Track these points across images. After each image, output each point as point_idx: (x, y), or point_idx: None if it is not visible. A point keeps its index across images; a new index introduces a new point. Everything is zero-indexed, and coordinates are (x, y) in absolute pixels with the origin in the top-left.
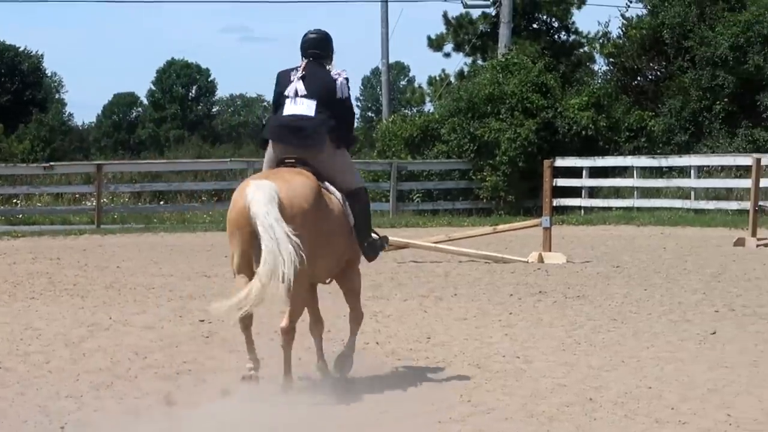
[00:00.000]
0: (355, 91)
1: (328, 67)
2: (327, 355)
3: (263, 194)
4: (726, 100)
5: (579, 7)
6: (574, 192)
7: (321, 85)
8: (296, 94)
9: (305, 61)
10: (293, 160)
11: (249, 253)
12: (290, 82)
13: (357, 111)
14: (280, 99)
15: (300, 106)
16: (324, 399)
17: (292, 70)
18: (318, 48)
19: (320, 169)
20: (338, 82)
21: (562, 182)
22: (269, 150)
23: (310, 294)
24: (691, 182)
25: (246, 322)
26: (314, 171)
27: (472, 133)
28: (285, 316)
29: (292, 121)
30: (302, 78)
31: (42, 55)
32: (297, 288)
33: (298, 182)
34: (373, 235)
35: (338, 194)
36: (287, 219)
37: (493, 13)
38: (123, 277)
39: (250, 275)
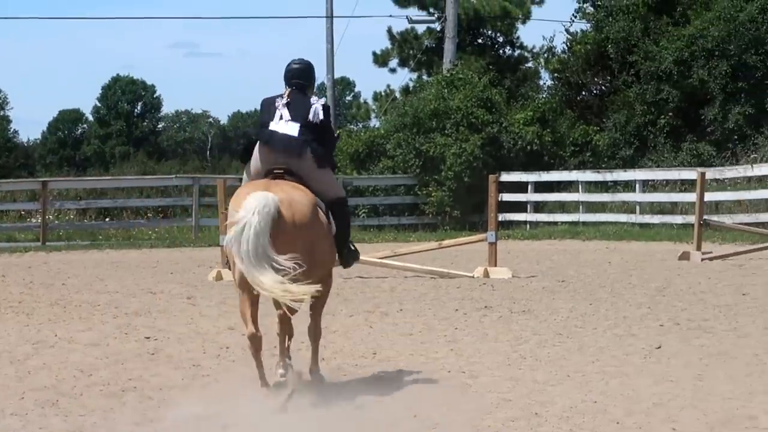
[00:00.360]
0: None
1: (310, 95)
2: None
3: (269, 199)
4: (670, 114)
5: (524, 23)
6: (520, 207)
7: (304, 111)
8: (281, 119)
9: (289, 89)
10: (281, 171)
11: None
12: (276, 109)
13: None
14: (264, 124)
15: (283, 125)
16: (271, 413)
17: (276, 97)
18: (301, 78)
19: (305, 179)
20: (313, 108)
21: (507, 197)
22: (254, 160)
23: None
24: (636, 196)
25: (256, 345)
26: (302, 182)
27: (418, 149)
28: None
29: (277, 137)
30: (287, 105)
31: None
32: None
33: (297, 196)
34: (351, 246)
35: (322, 204)
36: (288, 231)
37: (438, 29)
38: (68, 294)
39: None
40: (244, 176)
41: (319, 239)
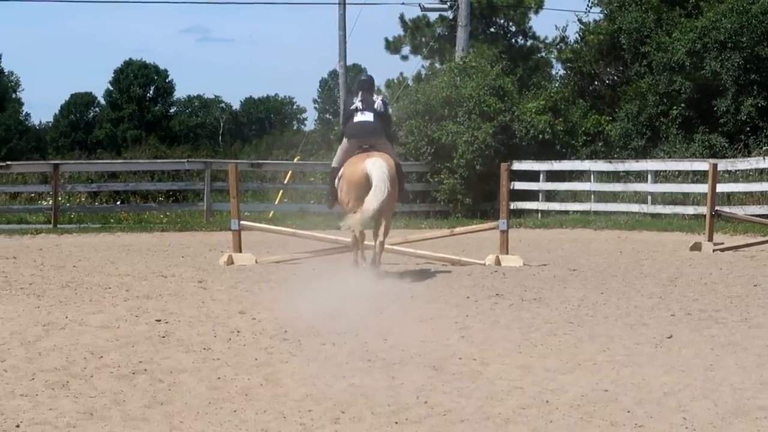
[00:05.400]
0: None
1: (374, 95)
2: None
3: (380, 162)
4: (683, 105)
5: (536, 12)
6: (531, 195)
7: (372, 105)
8: (361, 110)
9: (361, 92)
10: (368, 146)
11: (362, 198)
12: (353, 104)
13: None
14: (349, 114)
15: (364, 116)
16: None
17: (354, 98)
18: (367, 85)
19: (380, 148)
20: (377, 102)
21: (519, 185)
22: (345, 143)
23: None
24: (648, 187)
25: (361, 238)
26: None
27: (430, 136)
28: (381, 233)
29: (362, 124)
30: (361, 101)
31: (0, 55)
32: (388, 215)
33: (390, 160)
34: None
35: None
36: (391, 180)
37: (451, 16)
38: (79, 277)
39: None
40: (339, 150)
41: (396, 185)
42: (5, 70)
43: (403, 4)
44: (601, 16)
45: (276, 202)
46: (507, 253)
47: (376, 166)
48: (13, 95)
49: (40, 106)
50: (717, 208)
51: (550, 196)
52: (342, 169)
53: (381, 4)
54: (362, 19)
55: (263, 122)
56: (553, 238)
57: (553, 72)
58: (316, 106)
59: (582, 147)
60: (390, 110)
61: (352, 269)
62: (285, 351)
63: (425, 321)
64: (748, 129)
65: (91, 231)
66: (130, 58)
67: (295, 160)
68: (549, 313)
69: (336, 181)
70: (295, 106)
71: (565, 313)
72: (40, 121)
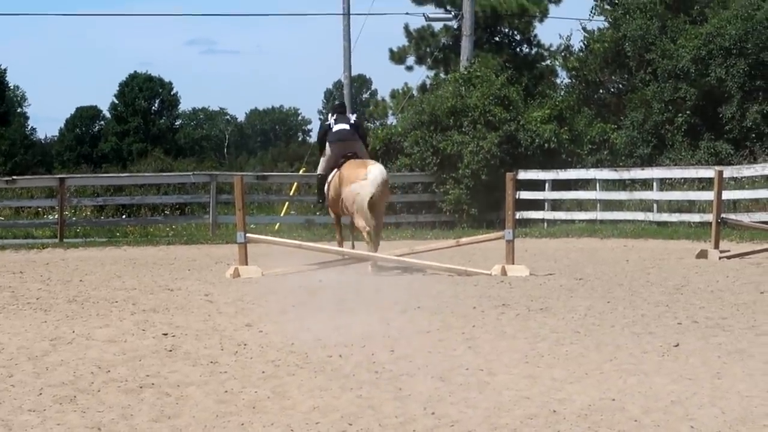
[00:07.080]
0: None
1: (347, 114)
2: None
3: (380, 169)
4: (688, 112)
5: (541, 21)
6: (537, 205)
7: (346, 119)
8: (336, 122)
9: (336, 114)
10: (352, 153)
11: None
12: (328, 121)
13: (318, 123)
14: (325, 129)
15: (339, 125)
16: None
17: (329, 116)
18: (341, 108)
19: (358, 150)
20: (352, 116)
21: (524, 195)
22: (328, 150)
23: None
24: (654, 195)
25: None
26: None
27: (435, 146)
28: (374, 235)
29: (340, 131)
30: (335, 119)
31: (5, 69)
32: (380, 214)
33: (383, 169)
34: None
35: None
36: (386, 184)
37: (455, 26)
38: (86, 291)
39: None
40: (322, 160)
41: (387, 190)
42: (10, 85)
43: (407, 14)
44: (606, 24)
45: (282, 214)
46: (513, 263)
47: (377, 170)
48: (19, 109)
49: (46, 120)
50: (723, 215)
51: (556, 205)
52: (337, 175)
53: (385, 14)
54: (366, 29)
55: (268, 134)
56: (559, 248)
57: (558, 81)
58: (321, 117)
59: (587, 155)
60: (360, 122)
61: (361, 278)
62: (292, 363)
63: (432, 332)
64: (753, 135)
65: (98, 245)
66: (135, 71)
67: (301, 172)
68: (555, 322)
69: (325, 187)
70: (300, 118)
71: (572, 322)
72: (46, 135)
